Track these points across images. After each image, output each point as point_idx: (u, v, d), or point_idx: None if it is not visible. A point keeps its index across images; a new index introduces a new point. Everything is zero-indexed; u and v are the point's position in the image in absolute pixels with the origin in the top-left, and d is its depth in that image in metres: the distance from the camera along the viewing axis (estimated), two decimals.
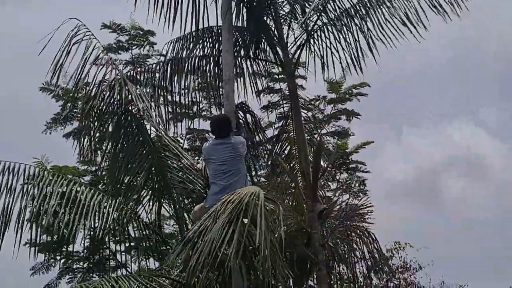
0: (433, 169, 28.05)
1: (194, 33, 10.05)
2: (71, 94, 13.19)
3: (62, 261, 13.43)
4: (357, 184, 15.19)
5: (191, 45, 10.47)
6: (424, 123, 29.73)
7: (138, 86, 9.90)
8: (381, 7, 9.57)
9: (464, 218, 26.70)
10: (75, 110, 13.54)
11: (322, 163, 10.54)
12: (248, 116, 10.30)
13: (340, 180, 15.28)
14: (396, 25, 9.55)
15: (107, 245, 11.98)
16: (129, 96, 8.95)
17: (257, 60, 10.43)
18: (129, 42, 14.04)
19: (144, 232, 10.17)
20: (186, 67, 10.36)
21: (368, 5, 9.56)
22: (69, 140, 13.76)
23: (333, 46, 10.05)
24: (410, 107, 28.24)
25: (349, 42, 9.82)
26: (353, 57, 9.79)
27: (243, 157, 7.81)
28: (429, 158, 28.08)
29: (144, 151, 9.43)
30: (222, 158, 7.60)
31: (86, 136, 9.24)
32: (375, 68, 9.73)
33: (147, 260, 11.93)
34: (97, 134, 9.27)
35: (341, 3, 9.62)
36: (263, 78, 10.97)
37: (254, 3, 9.87)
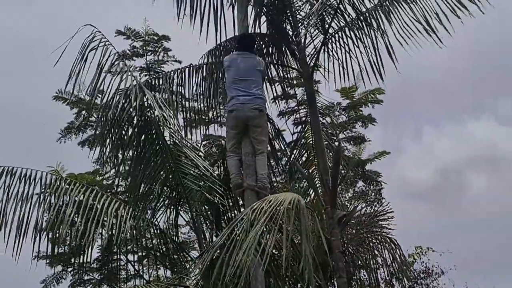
0: (455, 168, 27.74)
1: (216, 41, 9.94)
2: (85, 103, 13.20)
3: (74, 272, 13.25)
4: (373, 194, 15.01)
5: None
6: (444, 122, 29.42)
7: (155, 93, 9.84)
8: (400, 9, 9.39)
9: (485, 219, 26.23)
10: (90, 118, 13.45)
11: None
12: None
13: (356, 188, 15.12)
14: (415, 28, 9.36)
15: (122, 254, 11.86)
16: (146, 103, 8.87)
17: (275, 65, 10.30)
18: (144, 48, 13.94)
19: (160, 240, 10.09)
20: (203, 72, 10.28)
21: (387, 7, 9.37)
22: (74, 147, 13.74)
23: (351, 49, 9.90)
24: (429, 106, 27.92)
25: (367, 46, 9.64)
26: (372, 61, 9.61)
27: (262, 72, 8.40)
28: (450, 157, 27.76)
29: (161, 159, 9.33)
30: (244, 65, 8.27)
31: (103, 144, 9.12)
32: (392, 69, 9.54)
33: (164, 269, 11.85)
34: (114, 142, 9.15)
35: (358, 5, 9.44)
36: (280, 84, 10.84)
37: (271, 7, 9.75)
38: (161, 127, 9.23)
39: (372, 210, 11.05)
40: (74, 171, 12.77)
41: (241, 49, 8.51)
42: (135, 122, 9.13)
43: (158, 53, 13.89)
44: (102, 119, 9.03)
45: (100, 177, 13.50)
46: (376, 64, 9.53)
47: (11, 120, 22.22)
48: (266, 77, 9.56)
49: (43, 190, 8.71)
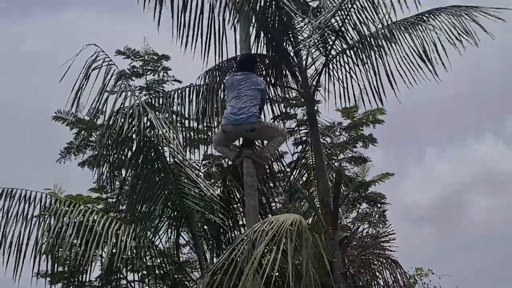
0: (456, 190, 27.74)
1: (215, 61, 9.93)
2: (85, 122, 13.16)
3: None
4: (376, 216, 14.95)
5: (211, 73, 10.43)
6: (447, 142, 29.42)
7: (156, 112, 9.84)
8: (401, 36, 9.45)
9: (484, 235, 26.19)
10: (89, 138, 13.41)
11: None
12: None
13: (359, 210, 15.06)
14: (416, 58, 9.42)
15: (123, 274, 11.76)
16: (148, 122, 8.86)
17: (276, 86, 10.29)
18: (143, 67, 13.94)
19: (161, 260, 10.04)
20: (203, 92, 10.26)
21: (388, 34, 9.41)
22: (75, 167, 13.67)
23: (352, 70, 9.89)
24: (432, 126, 27.94)
25: (367, 69, 9.65)
26: (372, 85, 9.61)
27: (262, 92, 8.41)
28: (452, 179, 27.75)
29: (162, 178, 9.30)
30: (243, 83, 8.33)
31: (104, 164, 9.09)
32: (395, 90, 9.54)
33: None
34: (115, 162, 9.12)
35: (361, 29, 9.45)
36: (281, 104, 10.82)
37: (272, 28, 9.75)
38: (161, 147, 9.24)
39: (375, 232, 10.94)
40: (74, 190, 12.73)
41: (243, 70, 8.59)
42: (135, 141, 9.11)
43: (158, 73, 13.88)
44: (103, 138, 9.00)
45: (102, 194, 13.42)
46: (376, 87, 9.51)
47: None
48: (267, 98, 9.54)
49: (42, 211, 8.67)
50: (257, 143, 9.11)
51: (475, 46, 9.23)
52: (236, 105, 8.17)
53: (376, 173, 15.24)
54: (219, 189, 10.94)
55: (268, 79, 10.15)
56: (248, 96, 8.22)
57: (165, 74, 13.89)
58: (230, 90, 8.42)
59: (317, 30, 8.73)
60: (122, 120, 8.65)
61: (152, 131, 9.03)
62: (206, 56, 9.64)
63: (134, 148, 9.17)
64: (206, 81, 10.49)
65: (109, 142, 8.97)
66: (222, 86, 9.03)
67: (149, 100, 10.67)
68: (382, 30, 9.24)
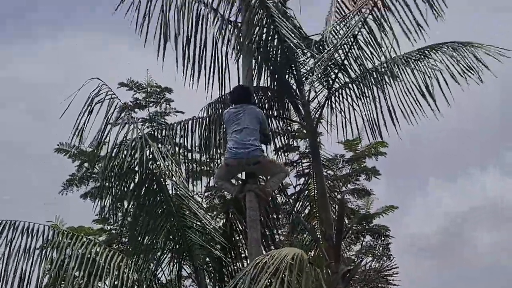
0: (460, 222, 27.62)
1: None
2: (87, 154, 13.18)
3: None
4: (380, 248, 14.86)
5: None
6: (450, 174, 29.34)
7: (158, 144, 9.89)
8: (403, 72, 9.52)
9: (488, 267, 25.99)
10: (91, 171, 13.43)
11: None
12: None
13: (363, 242, 14.99)
14: (417, 94, 9.47)
15: None
16: (150, 155, 8.89)
17: (278, 119, 10.33)
18: (146, 99, 13.98)
19: None
20: (205, 124, 10.32)
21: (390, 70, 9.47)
22: (76, 198, 13.66)
23: (355, 103, 9.93)
24: (435, 158, 27.84)
25: (369, 102, 9.69)
26: (373, 119, 9.65)
27: (261, 122, 8.37)
28: (455, 211, 27.63)
29: (165, 211, 9.30)
30: (242, 116, 8.27)
31: (106, 196, 9.10)
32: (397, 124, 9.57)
33: None
34: (117, 194, 9.13)
35: (363, 62, 9.52)
36: (284, 136, 10.85)
37: (272, 58, 9.80)
38: (163, 179, 9.26)
39: (378, 265, 10.90)
40: (76, 222, 12.72)
41: (238, 102, 8.52)
42: (138, 173, 9.12)
43: (160, 105, 13.92)
44: (105, 170, 9.02)
45: (105, 225, 13.41)
46: (377, 121, 9.58)
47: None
48: (269, 128, 9.56)
49: (45, 244, 8.64)
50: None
51: (478, 83, 9.30)
52: (238, 139, 8.13)
53: (379, 205, 15.22)
54: (221, 221, 10.94)
55: (271, 112, 10.19)
56: (249, 129, 8.18)
57: (167, 106, 13.92)
58: (229, 124, 8.39)
59: (319, 65, 8.77)
60: (125, 152, 8.67)
61: (154, 163, 9.04)
62: (210, 89, 9.70)
63: (136, 180, 9.17)
64: (209, 113, 10.55)
65: (112, 174, 8.99)
66: (222, 120, 9.01)
67: (152, 132, 10.71)
68: (384, 65, 9.31)
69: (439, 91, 9.25)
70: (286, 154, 13.13)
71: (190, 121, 10.34)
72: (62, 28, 27.37)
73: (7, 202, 17.30)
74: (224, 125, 8.80)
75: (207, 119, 10.32)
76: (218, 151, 10.24)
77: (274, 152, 11.04)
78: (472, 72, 9.29)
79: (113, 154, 8.76)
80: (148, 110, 13.91)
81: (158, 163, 8.97)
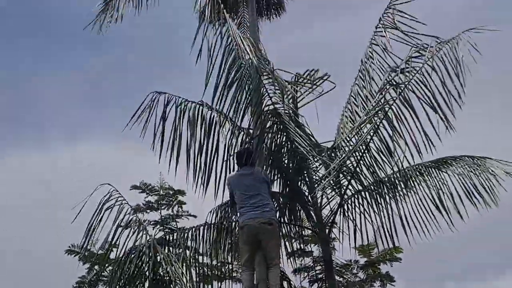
0: None
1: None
2: (97, 257, 13.11)
3: None
4: None
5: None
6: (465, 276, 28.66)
7: (169, 248, 9.87)
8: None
9: None
10: (102, 273, 13.31)
11: None
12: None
13: None
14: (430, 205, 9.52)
15: None
16: (160, 260, 8.89)
17: (291, 224, 10.25)
18: (159, 202, 13.99)
19: None
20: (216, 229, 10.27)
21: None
22: None
23: (367, 211, 9.87)
24: (451, 261, 27.30)
25: (381, 209, 9.65)
26: (386, 228, 9.60)
27: (266, 182, 8.86)
28: None
29: None
30: (247, 181, 8.70)
31: None
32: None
33: None
34: None
35: (376, 170, 9.54)
36: (296, 241, 10.75)
37: (284, 165, 9.82)
38: (173, 284, 9.17)
39: None
40: None
41: (241, 165, 8.92)
42: (148, 278, 9.10)
43: (172, 208, 13.91)
44: (116, 274, 9.01)
45: None
46: (389, 230, 9.56)
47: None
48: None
49: None
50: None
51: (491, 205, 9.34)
52: (253, 204, 8.50)
53: None
54: None
55: (283, 218, 10.13)
56: (261, 195, 8.59)
57: (179, 208, 13.91)
58: (237, 188, 8.74)
59: (331, 172, 8.79)
60: (134, 256, 8.69)
61: (163, 268, 9.03)
62: (221, 194, 9.69)
63: (147, 285, 9.16)
64: (219, 215, 10.52)
65: (122, 278, 8.97)
66: (228, 194, 9.17)
67: (164, 236, 10.67)
68: (397, 174, 9.33)
69: (452, 205, 9.31)
70: (300, 259, 13.05)
71: (202, 227, 10.30)
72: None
73: None
74: (230, 190, 9.00)
75: (218, 224, 10.29)
76: (229, 254, 10.19)
77: (287, 256, 10.92)
78: (487, 192, 9.34)
79: (123, 259, 8.81)
80: (160, 212, 13.91)
81: (166, 267, 8.97)
